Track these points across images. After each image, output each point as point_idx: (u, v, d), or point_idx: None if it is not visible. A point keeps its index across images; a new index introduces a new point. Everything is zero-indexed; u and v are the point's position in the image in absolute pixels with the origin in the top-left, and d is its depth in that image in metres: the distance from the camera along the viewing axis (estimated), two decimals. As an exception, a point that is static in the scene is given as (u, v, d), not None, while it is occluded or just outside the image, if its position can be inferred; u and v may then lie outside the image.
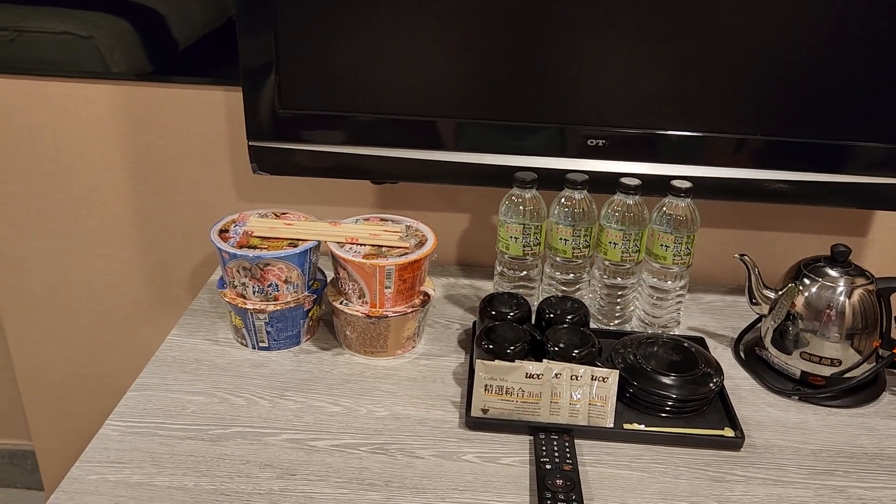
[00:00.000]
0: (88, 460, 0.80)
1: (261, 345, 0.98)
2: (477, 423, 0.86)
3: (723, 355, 1.02)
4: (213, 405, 0.89)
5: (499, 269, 1.06)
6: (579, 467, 0.80)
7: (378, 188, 1.21)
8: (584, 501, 0.76)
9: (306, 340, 1.01)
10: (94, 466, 0.79)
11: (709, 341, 1.04)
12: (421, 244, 0.96)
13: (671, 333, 1.02)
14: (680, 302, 1.04)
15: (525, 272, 1.04)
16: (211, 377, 0.93)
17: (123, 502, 0.74)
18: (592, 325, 1.05)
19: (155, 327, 1.36)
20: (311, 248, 0.95)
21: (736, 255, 0.98)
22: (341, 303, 0.96)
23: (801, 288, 0.94)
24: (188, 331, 1.03)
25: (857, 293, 0.92)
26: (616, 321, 1.05)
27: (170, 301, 1.33)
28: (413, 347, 1.01)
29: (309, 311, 0.98)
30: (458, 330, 1.05)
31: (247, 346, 0.99)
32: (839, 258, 0.93)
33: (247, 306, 0.94)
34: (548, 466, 0.79)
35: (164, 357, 0.97)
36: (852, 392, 0.94)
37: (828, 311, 0.92)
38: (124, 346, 1.38)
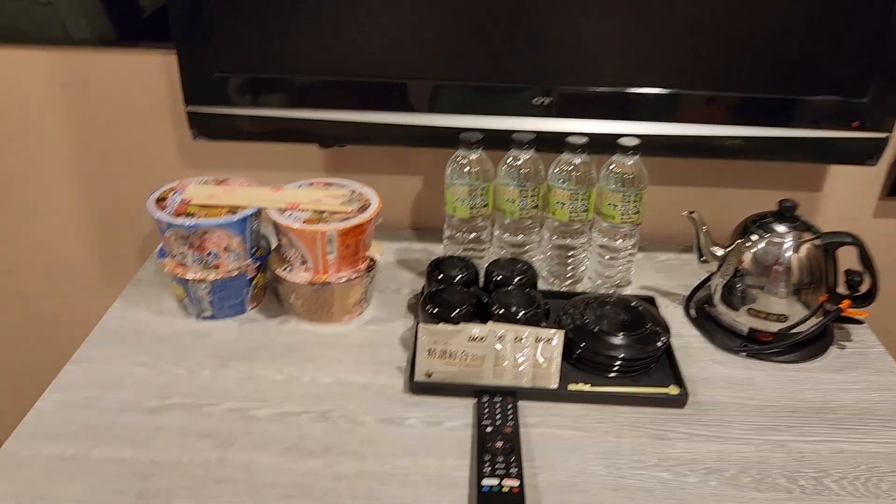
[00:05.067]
0: (22, 435, 0.78)
1: (204, 314, 0.96)
2: (421, 388, 0.85)
3: (674, 314, 1.01)
4: (153, 376, 0.87)
5: (448, 232, 1.04)
6: (521, 429, 0.79)
7: (328, 152, 1.18)
8: (525, 463, 0.75)
9: (252, 309, 0.99)
10: (27, 441, 0.77)
11: (661, 300, 1.03)
12: (364, 208, 0.94)
13: (622, 293, 1.02)
14: (631, 261, 1.03)
15: (474, 234, 1.03)
16: (153, 348, 0.92)
17: (57, 476, 0.73)
18: (544, 286, 1.04)
19: (107, 299, 1.33)
20: (251, 215, 0.93)
21: (684, 213, 0.97)
22: (284, 269, 0.94)
23: (748, 244, 0.93)
24: (131, 302, 1.01)
25: (803, 248, 0.91)
26: (567, 282, 1.04)
27: (120, 272, 1.31)
28: (361, 313, 0.99)
29: (253, 279, 0.96)
30: (408, 295, 1.04)
31: (191, 316, 0.97)
32: (786, 213, 0.92)
33: (187, 276, 0.92)
34: (489, 429, 0.78)
35: (105, 329, 0.95)
36: (799, 347, 0.94)
37: (775, 266, 0.91)
38: (73, 319, 1.36)
